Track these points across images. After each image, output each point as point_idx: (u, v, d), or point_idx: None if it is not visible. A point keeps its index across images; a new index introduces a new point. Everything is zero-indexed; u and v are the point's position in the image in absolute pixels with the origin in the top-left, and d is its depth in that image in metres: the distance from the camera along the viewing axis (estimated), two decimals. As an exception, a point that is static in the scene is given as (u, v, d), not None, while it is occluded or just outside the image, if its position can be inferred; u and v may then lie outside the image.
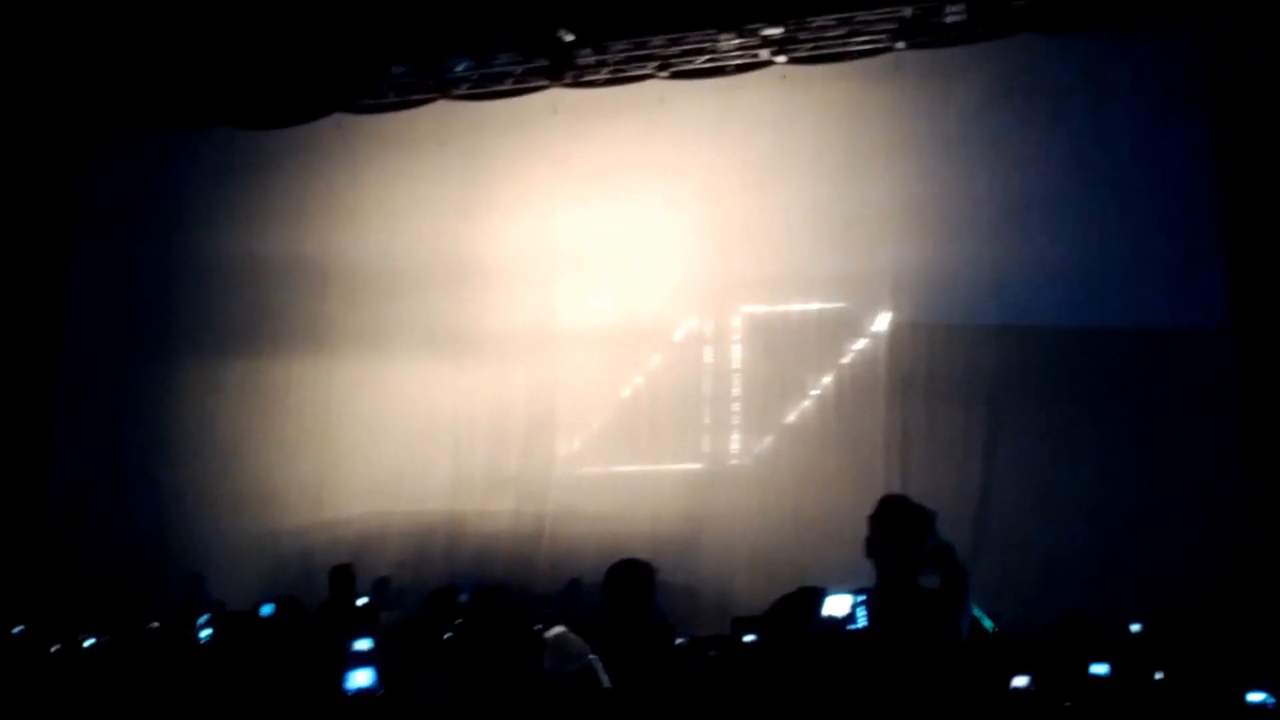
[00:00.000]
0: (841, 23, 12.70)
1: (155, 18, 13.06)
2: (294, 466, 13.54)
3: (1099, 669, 6.32)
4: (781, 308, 12.58)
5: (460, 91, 14.04)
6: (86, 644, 9.03)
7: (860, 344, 12.22)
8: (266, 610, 8.16)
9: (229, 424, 13.86)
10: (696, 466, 12.55)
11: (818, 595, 4.43)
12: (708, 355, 12.88)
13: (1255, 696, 5.98)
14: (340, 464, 13.41)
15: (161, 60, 13.79)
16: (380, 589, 11.18)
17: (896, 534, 4.18)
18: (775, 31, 12.84)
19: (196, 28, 13.22)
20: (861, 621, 4.09)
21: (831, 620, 4.24)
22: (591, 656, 4.85)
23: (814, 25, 12.78)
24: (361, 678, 5.24)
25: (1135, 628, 7.93)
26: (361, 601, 9.76)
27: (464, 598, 8.62)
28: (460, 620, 6.76)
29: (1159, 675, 6.48)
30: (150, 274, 14.46)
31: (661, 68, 13.33)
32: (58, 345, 14.77)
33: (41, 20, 13.07)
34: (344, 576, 9.50)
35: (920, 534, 4.18)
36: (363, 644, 7.30)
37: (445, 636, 6.59)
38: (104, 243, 14.88)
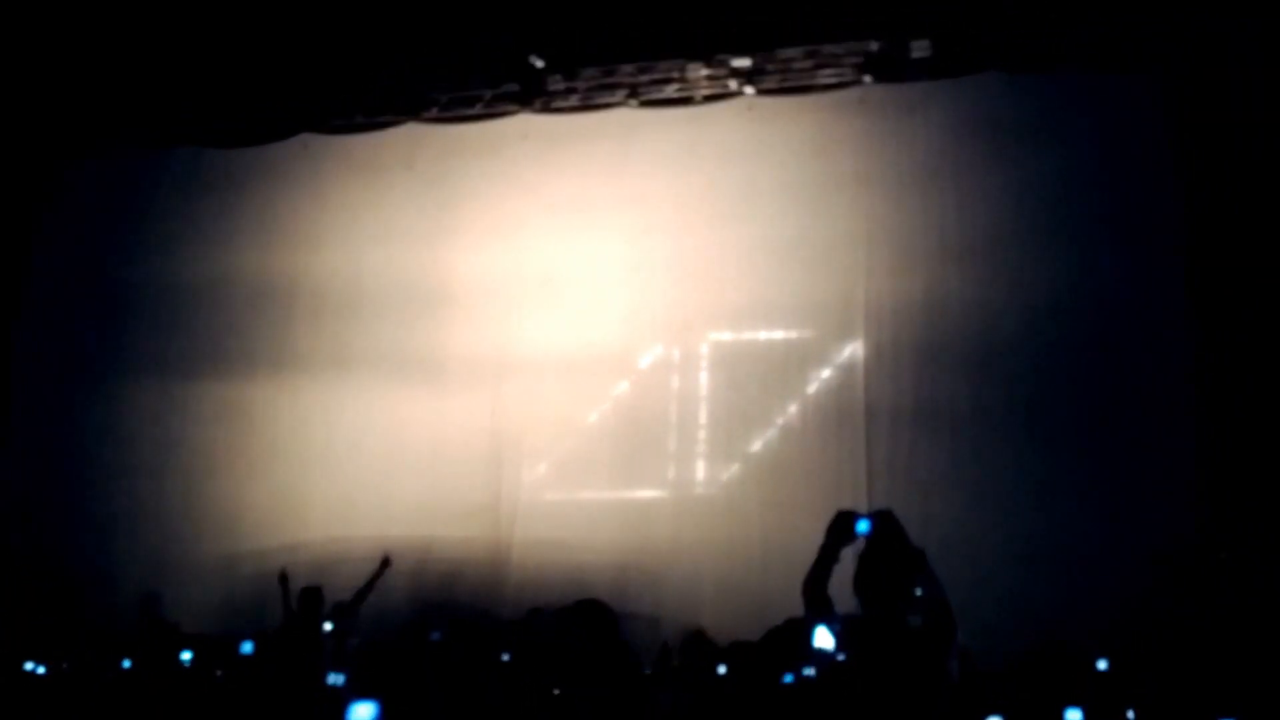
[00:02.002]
0: (809, 55, 12.85)
1: (121, 33, 13.00)
2: (256, 489, 13.41)
3: (1073, 715, 6.32)
4: (749, 336, 12.63)
5: (430, 115, 14.04)
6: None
7: (827, 373, 12.29)
8: (246, 648, 8.11)
9: (191, 445, 13.72)
10: (662, 494, 12.53)
11: (807, 625, 4.40)
12: (674, 382, 12.89)
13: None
14: (303, 487, 13.29)
15: (126, 77, 13.72)
16: (340, 613, 11.10)
17: (885, 577, 4.15)
18: (744, 62, 12.97)
19: (164, 44, 13.17)
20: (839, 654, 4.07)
21: (823, 653, 4.22)
22: None
23: (782, 57, 12.92)
24: (363, 711, 5.11)
25: (1101, 665, 7.95)
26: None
27: (435, 636, 8.62)
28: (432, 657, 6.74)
29: (1130, 715, 6.52)
30: (113, 293, 14.31)
31: (631, 96, 13.41)
32: (12, 364, 14.60)
33: (2, 35, 12.97)
34: (311, 599, 9.46)
35: (910, 577, 4.13)
36: (336, 678, 7.23)
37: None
38: (64, 262, 14.75)
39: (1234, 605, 9.64)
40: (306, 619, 8.96)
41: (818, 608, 4.28)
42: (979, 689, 6.42)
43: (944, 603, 4.15)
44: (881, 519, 4.29)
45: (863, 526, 4.28)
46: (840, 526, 4.35)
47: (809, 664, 4.25)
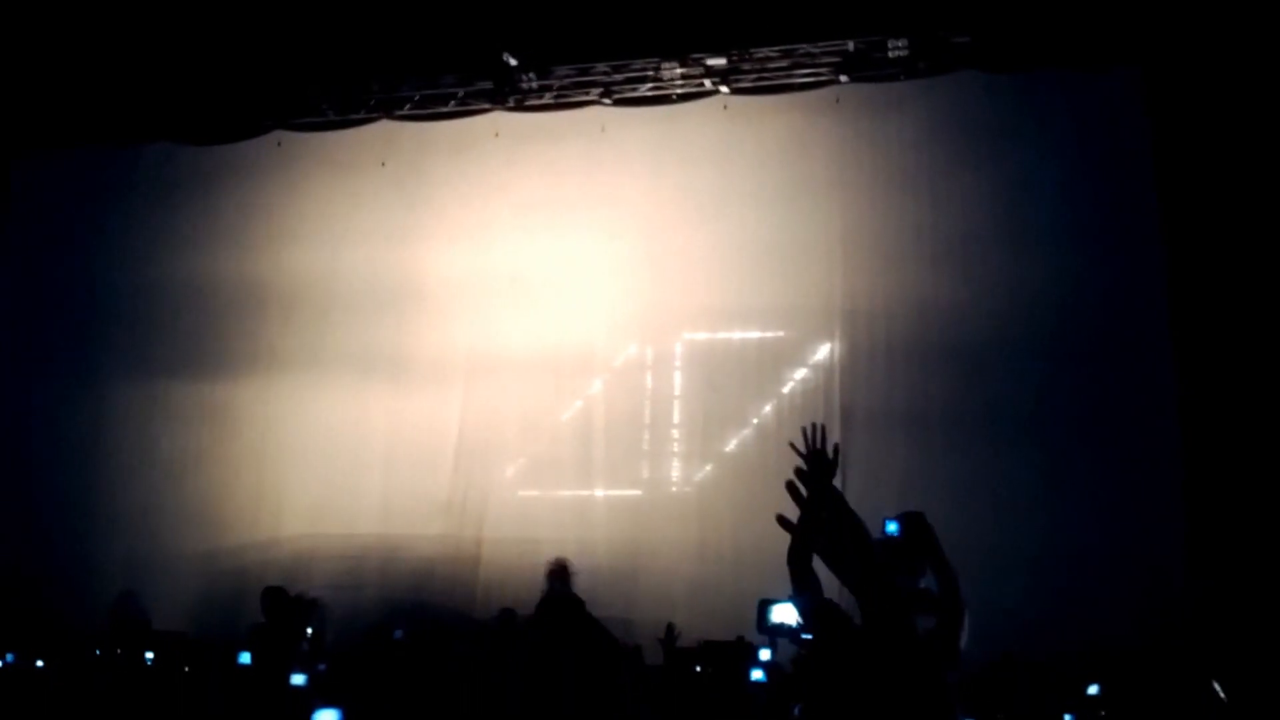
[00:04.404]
0: (785, 54, 12.81)
1: (91, 26, 12.86)
2: (230, 488, 13.35)
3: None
4: (723, 335, 12.60)
5: (402, 112, 13.96)
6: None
7: (801, 373, 12.27)
8: (244, 659, 8.04)
9: (169, 445, 13.63)
10: (636, 493, 12.51)
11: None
12: (648, 381, 12.85)
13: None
14: (277, 486, 13.23)
15: (96, 71, 13.57)
16: (309, 610, 11.01)
17: (901, 580, 3.67)
18: (719, 62, 12.92)
19: (134, 38, 13.03)
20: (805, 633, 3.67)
21: (784, 628, 3.86)
22: None
23: (757, 56, 12.88)
24: (327, 718, 5.05)
25: (1093, 690, 7.86)
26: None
27: (398, 634, 8.56)
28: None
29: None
30: (84, 292, 14.15)
31: (605, 94, 13.35)
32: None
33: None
34: (276, 601, 9.34)
35: (916, 563, 3.70)
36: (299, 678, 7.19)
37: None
38: (32, 260, 14.58)
39: (1218, 609, 9.62)
40: (273, 620, 8.84)
41: (802, 584, 3.83)
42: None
43: (958, 614, 3.70)
44: (912, 521, 3.86)
45: (891, 528, 3.89)
46: (818, 467, 3.61)
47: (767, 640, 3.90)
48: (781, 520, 3.64)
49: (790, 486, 3.57)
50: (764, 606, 3.93)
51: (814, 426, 3.72)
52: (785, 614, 3.78)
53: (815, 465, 3.65)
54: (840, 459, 3.62)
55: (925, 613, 3.68)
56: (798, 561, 3.83)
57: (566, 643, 4.82)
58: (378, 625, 9.16)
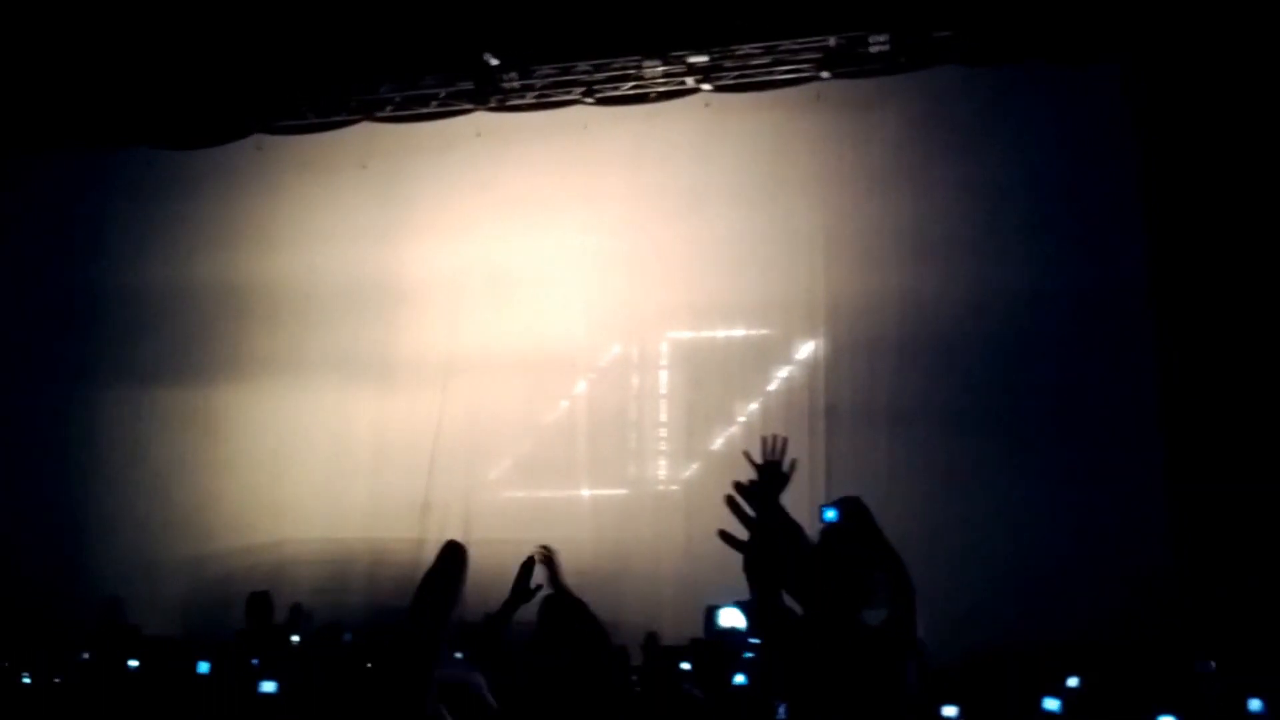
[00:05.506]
0: (766, 51, 12.80)
1: (70, 30, 12.79)
2: (215, 492, 13.29)
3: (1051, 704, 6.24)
4: (707, 334, 12.59)
5: (383, 113, 13.91)
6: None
7: (785, 370, 12.26)
8: (203, 668, 8.01)
9: (157, 450, 13.55)
10: (622, 492, 12.49)
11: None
12: (633, 380, 12.83)
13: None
14: (261, 490, 13.16)
15: (75, 76, 13.50)
16: (295, 616, 10.99)
17: (844, 572, 3.51)
18: (700, 59, 12.91)
19: (114, 42, 12.97)
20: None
21: (734, 633, 3.78)
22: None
23: (739, 53, 12.87)
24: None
25: (1072, 682, 7.87)
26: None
27: (348, 637, 8.52)
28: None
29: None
30: (67, 298, 14.06)
31: (587, 93, 13.32)
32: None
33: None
34: (260, 605, 9.32)
35: (865, 560, 3.52)
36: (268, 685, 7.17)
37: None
38: (13, 265, 14.49)
39: (1199, 601, 9.65)
40: (257, 624, 8.82)
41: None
42: (931, 684, 6.36)
43: (909, 600, 3.48)
44: (850, 506, 3.63)
45: (829, 515, 3.64)
46: (770, 481, 3.50)
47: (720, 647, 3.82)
48: (725, 536, 3.58)
49: (730, 502, 3.56)
50: (710, 613, 3.83)
51: (774, 438, 3.64)
52: (732, 618, 3.71)
53: (767, 478, 3.59)
54: (795, 473, 3.55)
55: (875, 605, 3.54)
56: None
57: (570, 645, 4.76)
58: (326, 627, 9.13)
